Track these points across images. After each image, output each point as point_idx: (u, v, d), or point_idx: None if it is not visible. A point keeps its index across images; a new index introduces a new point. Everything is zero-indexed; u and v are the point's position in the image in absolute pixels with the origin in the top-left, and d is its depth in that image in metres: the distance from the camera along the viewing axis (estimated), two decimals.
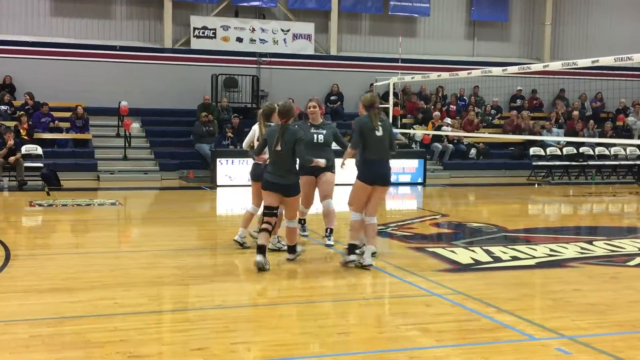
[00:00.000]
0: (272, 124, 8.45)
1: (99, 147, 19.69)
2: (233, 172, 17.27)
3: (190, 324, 5.97)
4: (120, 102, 19.82)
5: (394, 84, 15.54)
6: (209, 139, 19.35)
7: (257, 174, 8.74)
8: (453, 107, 23.33)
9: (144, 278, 7.56)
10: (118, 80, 21.11)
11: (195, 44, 22.02)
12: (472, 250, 9.15)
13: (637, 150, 21.22)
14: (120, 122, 20.00)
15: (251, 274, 7.84)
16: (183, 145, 20.13)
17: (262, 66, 22.51)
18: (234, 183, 17.12)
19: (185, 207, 13.57)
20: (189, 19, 22.03)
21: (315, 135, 9.22)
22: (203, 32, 22.07)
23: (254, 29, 22.60)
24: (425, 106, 22.89)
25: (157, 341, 5.48)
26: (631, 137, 22.72)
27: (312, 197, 9.41)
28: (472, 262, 8.53)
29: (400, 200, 16.94)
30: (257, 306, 6.60)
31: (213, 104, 20.86)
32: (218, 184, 17.07)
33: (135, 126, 20.37)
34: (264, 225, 8.03)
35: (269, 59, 22.53)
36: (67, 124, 19.67)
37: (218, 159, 17.29)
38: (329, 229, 9.41)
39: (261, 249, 7.87)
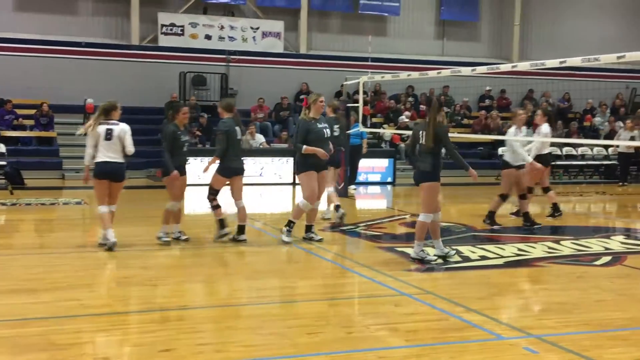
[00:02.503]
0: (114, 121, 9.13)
1: (63, 145, 19.45)
2: (201, 170, 17.16)
3: (156, 325, 5.92)
4: (85, 100, 19.61)
5: (363, 83, 15.56)
6: None
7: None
8: (423, 106, 23.44)
9: (109, 278, 7.49)
10: (84, 77, 20.87)
11: (163, 41, 21.86)
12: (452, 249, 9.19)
13: (604, 150, 21.54)
14: (85, 120, 19.75)
15: (219, 274, 7.81)
16: (150, 144, 19.97)
17: (231, 64, 22.42)
18: (203, 182, 17.00)
19: (153, 207, 13.43)
20: (157, 16, 21.87)
21: (325, 131, 9.48)
22: (171, 29, 21.92)
23: (222, 27, 22.50)
24: (395, 106, 23.00)
25: (123, 343, 5.43)
26: (598, 137, 23.06)
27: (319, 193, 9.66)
28: (441, 261, 8.58)
29: (370, 200, 17.00)
30: (225, 307, 6.57)
31: (181, 102, 20.71)
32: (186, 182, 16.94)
33: None
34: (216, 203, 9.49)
35: (238, 57, 22.46)
36: (31, 122, 19.40)
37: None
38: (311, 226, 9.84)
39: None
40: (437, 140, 8.10)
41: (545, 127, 11.88)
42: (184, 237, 9.61)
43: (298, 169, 9.59)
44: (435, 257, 8.46)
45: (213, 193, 9.64)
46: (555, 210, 12.36)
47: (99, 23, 21.76)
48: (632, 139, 19.14)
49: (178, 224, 9.64)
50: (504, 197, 11.32)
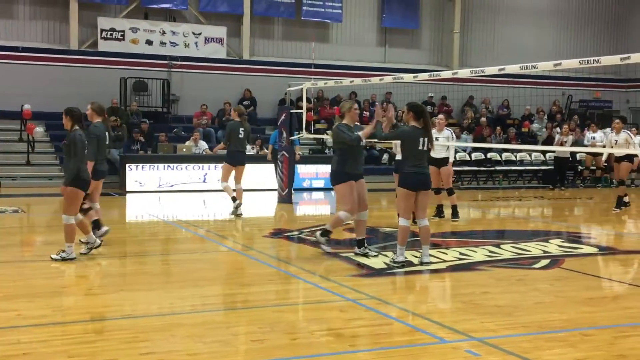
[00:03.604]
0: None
1: (0, 152, 18.96)
2: (143, 177, 16.95)
3: (97, 335, 5.81)
4: (23, 105, 19.17)
5: (307, 90, 15.61)
6: (118, 144, 18.95)
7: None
8: (366, 113, 23.62)
9: (48, 288, 7.32)
10: (21, 83, 20.39)
11: (103, 45, 21.52)
12: (385, 255, 9.27)
13: (542, 155, 22.05)
14: (23, 126, 19.33)
15: (161, 282, 7.71)
16: None
17: (172, 70, 22.21)
18: (144, 189, 16.81)
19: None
20: (96, 20, 21.52)
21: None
22: (111, 34, 21.59)
23: (164, 32, 22.28)
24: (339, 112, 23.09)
25: (63, 354, 5.31)
26: (536, 143, 23.59)
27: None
28: (385, 266, 8.65)
29: (314, 206, 17.03)
30: (168, 315, 6.48)
31: (122, 108, 20.43)
32: (127, 189, 16.71)
33: (39, 130, 19.71)
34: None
35: (179, 63, 22.26)
36: None
37: (127, 165, 16.94)
38: (363, 240, 9.26)
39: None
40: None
41: (447, 132, 12.82)
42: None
43: (336, 180, 9.03)
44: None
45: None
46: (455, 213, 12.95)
47: (37, 27, 21.31)
48: (564, 144, 19.61)
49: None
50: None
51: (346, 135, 8.80)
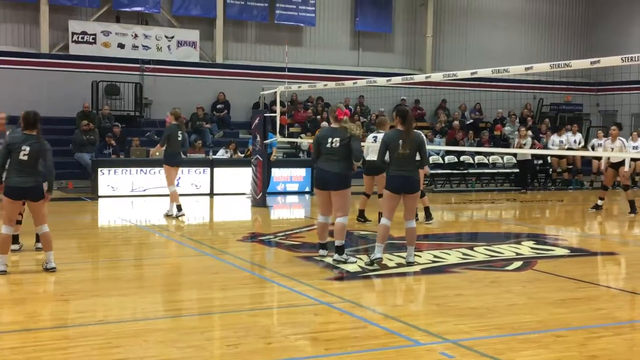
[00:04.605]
0: None
1: None
2: (115, 182, 16.82)
3: (70, 341, 5.75)
4: None
5: (280, 93, 15.61)
6: (90, 148, 18.78)
7: None
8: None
9: (20, 294, 7.24)
10: None
11: (74, 49, 21.31)
12: (359, 258, 9.29)
13: (514, 158, 22.23)
14: None
15: (135, 287, 7.66)
16: (61, 155, 19.38)
17: (145, 73, 22.07)
18: (117, 193, 16.67)
19: (64, 220, 13.06)
20: (67, 24, 21.30)
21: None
22: (82, 37, 21.40)
23: (136, 35, 22.14)
24: (312, 116, 23.13)
25: None
26: (508, 146, 23.78)
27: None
28: (359, 270, 8.67)
29: (288, 210, 17.02)
30: (141, 320, 6.44)
31: (94, 112, 20.26)
32: (99, 194, 16.57)
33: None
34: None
35: (152, 66, 22.13)
36: None
37: (99, 169, 16.79)
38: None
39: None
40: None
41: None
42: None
43: (344, 185, 8.96)
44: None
45: None
46: (428, 215, 13.04)
47: (6, 30, 21.03)
48: (523, 146, 19.63)
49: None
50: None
51: (360, 149, 9.02)
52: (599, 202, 15.43)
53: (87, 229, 12.83)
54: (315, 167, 9.56)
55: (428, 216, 12.99)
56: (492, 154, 21.83)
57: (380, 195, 11.99)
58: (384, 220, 8.81)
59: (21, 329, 6.04)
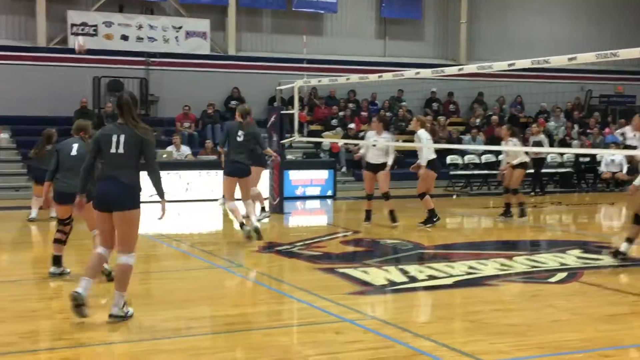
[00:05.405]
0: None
1: None
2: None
3: None
4: None
5: (299, 88, 15.66)
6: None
7: None
8: (364, 112, 23.69)
9: (14, 312, 7.34)
10: None
11: (74, 42, 21.53)
12: (386, 270, 9.32)
13: (558, 157, 22.07)
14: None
15: (141, 304, 7.73)
16: None
17: (151, 67, 22.25)
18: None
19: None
20: (66, 14, 21.55)
21: None
22: (82, 29, 21.62)
23: (141, 26, 22.32)
24: (337, 112, 23.17)
25: None
26: (552, 143, 23.62)
27: None
28: (386, 283, 8.70)
29: (308, 216, 17.07)
30: (148, 340, 6.51)
31: (94, 110, 20.46)
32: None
33: (3, 136, 19.74)
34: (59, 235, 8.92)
35: (158, 60, 22.29)
36: None
37: None
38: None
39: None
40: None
41: (422, 133, 13.08)
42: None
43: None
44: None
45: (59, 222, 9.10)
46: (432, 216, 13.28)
47: (1, 23, 21.34)
48: (539, 143, 19.09)
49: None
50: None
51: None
52: None
53: (89, 239, 12.94)
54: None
55: (428, 220, 13.28)
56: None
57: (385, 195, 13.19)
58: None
59: (15, 350, 6.11)
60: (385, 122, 13.79)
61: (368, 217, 13.60)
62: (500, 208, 15.12)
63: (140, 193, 6.92)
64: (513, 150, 14.18)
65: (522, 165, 14.61)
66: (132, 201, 6.84)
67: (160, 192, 6.99)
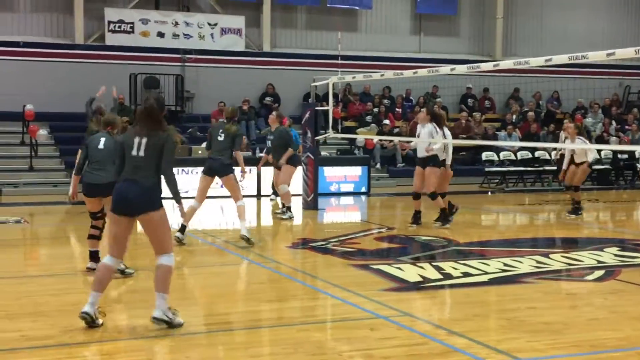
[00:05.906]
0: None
1: (0, 157, 19.27)
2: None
3: (107, 357, 5.91)
4: (25, 106, 19.44)
5: (333, 84, 15.65)
6: None
7: None
8: (399, 109, 23.63)
9: (54, 306, 7.44)
10: (22, 81, 20.69)
11: (111, 39, 21.77)
12: (421, 267, 9.30)
13: (597, 154, 21.79)
14: (25, 129, 19.62)
15: (175, 299, 7.80)
16: None
17: (187, 64, 22.40)
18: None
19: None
20: (103, 12, 21.77)
21: None
22: (119, 27, 21.83)
23: (177, 23, 22.48)
24: (372, 109, 23.14)
25: None
26: (589, 139, 23.35)
27: None
28: (421, 279, 8.68)
29: (342, 213, 17.07)
30: (182, 335, 6.56)
31: (131, 107, 20.63)
32: None
33: (42, 133, 19.99)
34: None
35: (194, 57, 22.44)
36: None
37: None
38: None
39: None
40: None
41: (429, 127, 12.55)
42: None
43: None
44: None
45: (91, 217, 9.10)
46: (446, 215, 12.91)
47: (39, 20, 21.62)
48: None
49: None
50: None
51: None
52: None
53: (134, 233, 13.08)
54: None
55: (444, 219, 12.81)
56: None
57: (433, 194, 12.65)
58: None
59: (56, 343, 6.20)
60: (434, 115, 12.80)
61: (416, 220, 12.79)
62: (566, 205, 14.82)
63: (161, 194, 6.73)
64: (580, 147, 13.93)
65: (586, 162, 14.45)
66: (152, 203, 6.61)
67: (177, 197, 6.77)
